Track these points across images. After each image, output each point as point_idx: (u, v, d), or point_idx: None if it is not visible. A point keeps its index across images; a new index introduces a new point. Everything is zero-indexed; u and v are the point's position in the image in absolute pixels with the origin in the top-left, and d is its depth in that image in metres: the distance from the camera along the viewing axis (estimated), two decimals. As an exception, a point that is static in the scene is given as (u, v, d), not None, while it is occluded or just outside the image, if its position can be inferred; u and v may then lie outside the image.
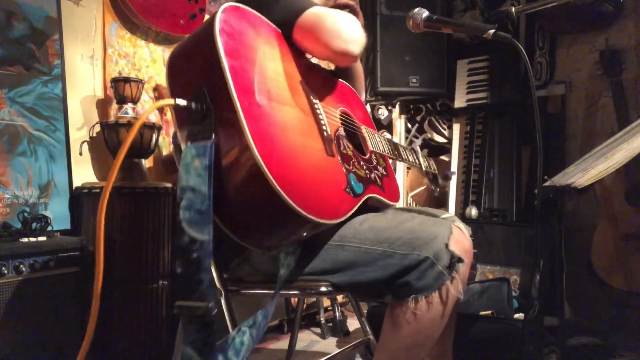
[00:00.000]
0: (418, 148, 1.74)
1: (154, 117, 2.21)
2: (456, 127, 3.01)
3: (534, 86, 1.37)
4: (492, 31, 1.20)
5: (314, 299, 2.54)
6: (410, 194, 3.10)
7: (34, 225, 1.60)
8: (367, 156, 1.35)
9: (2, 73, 1.72)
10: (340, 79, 1.46)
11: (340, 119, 1.30)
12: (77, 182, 1.91)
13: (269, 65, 1.07)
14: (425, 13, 1.33)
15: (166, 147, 2.28)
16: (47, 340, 1.49)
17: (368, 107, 1.72)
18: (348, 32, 1.17)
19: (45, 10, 1.86)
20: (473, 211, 2.68)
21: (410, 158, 1.65)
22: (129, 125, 1.87)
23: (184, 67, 1.05)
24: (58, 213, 1.80)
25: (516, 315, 1.98)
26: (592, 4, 2.47)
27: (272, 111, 0.99)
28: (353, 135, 1.36)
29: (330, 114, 1.25)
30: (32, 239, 1.55)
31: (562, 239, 1.41)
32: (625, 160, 1.30)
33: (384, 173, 1.41)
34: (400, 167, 3.13)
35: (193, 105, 0.95)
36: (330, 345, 2.32)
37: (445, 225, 1.13)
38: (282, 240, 1.05)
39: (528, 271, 2.32)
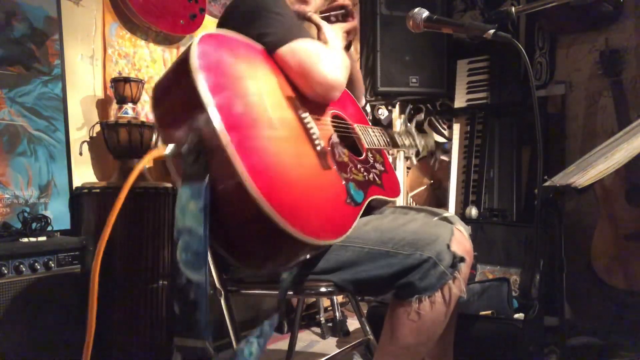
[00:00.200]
0: (413, 130, 1.70)
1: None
2: (456, 127, 3.01)
3: (534, 86, 1.37)
4: (492, 31, 1.20)
5: (314, 299, 2.54)
6: (410, 194, 3.10)
7: (34, 225, 1.60)
8: (362, 156, 1.35)
9: (2, 73, 1.72)
10: None
11: (333, 125, 1.28)
12: (77, 182, 1.91)
13: (252, 88, 1.05)
14: (425, 13, 1.33)
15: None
16: (47, 340, 1.49)
17: (368, 107, 1.70)
18: (327, 77, 1.17)
19: (45, 10, 1.86)
20: (473, 211, 2.68)
21: (407, 142, 1.62)
22: (129, 125, 1.87)
23: (168, 101, 1.04)
24: (58, 213, 1.80)
25: (516, 315, 1.98)
26: (592, 4, 2.46)
27: (263, 140, 0.98)
28: (347, 137, 1.35)
29: (322, 123, 1.23)
30: (32, 239, 1.55)
31: (562, 239, 1.41)
32: (625, 160, 1.30)
33: (382, 169, 1.40)
34: (400, 166, 3.13)
35: (184, 148, 0.94)
36: (330, 345, 2.32)
37: (447, 227, 1.15)
38: (288, 263, 1.05)
39: (528, 271, 2.32)
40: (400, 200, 2.95)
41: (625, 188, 2.27)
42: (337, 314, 2.45)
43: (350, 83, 1.51)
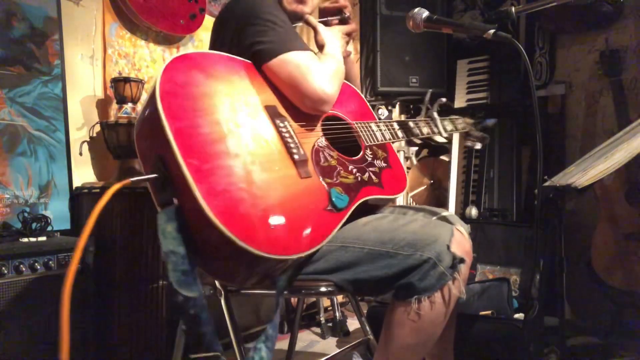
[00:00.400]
0: (435, 115, 1.60)
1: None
2: (456, 127, 3.01)
3: (534, 86, 1.37)
4: (492, 31, 1.20)
5: (314, 299, 2.54)
6: (410, 194, 3.10)
7: (34, 225, 1.60)
8: (359, 155, 1.32)
9: (2, 73, 1.73)
10: None
11: (322, 128, 1.27)
12: (77, 182, 1.91)
13: (225, 105, 1.05)
14: (425, 13, 1.33)
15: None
16: (47, 341, 1.49)
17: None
18: (317, 91, 1.18)
19: (45, 10, 1.86)
20: (473, 211, 2.68)
21: (425, 130, 1.57)
22: (129, 125, 1.87)
23: (142, 133, 1.05)
24: (58, 213, 1.80)
25: (516, 315, 1.98)
26: (592, 4, 2.46)
27: (227, 160, 0.98)
28: (343, 138, 1.33)
29: (307, 129, 1.22)
30: (32, 239, 1.55)
31: (562, 239, 1.41)
32: (625, 160, 1.30)
33: (384, 165, 1.37)
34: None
35: (149, 176, 0.97)
36: (330, 345, 2.32)
37: (447, 227, 1.15)
38: (268, 276, 1.05)
39: (528, 271, 2.32)
40: (400, 200, 2.95)
41: (625, 188, 2.27)
42: (337, 314, 2.45)
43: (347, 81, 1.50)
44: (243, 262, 0.97)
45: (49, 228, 1.64)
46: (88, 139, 1.98)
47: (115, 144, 1.88)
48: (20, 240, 1.54)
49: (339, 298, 2.58)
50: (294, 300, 2.33)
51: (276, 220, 0.99)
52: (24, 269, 1.46)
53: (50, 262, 1.52)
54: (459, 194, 2.89)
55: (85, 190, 1.83)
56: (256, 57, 1.19)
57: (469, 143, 1.68)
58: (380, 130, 1.42)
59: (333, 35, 1.38)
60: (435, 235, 1.10)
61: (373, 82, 2.99)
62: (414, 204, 3.11)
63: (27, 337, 1.45)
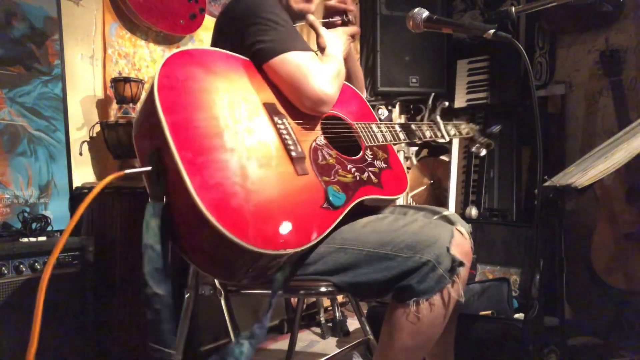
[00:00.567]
0: (438, 119, 1.60)
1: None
2: (456, 127, 3.01)
3: (534, 86, 1.37)
4: (492, 31, 1.20)
5: (314, 299, 2.54)
6: (410, 194, 3.10)
7: (34, 225, 1.60)
8: (358, 155, 1.32)
9: (2, 73, 1.73)
10: None
11: (322, 127, 1.27)
12: (77, 182, 1.91)
13: (223, 101, 1.06)
14: (425, 13, 1.33)
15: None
16: (47, 340, 1.49)
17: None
18: (317, 92, 1.18)
19: (45, 10, 1.86)
20: (473, 211, 2.68)
21: (428, 133, 1.56)
22: (129, 125, 1.87)
23: (140, 126, 1.06)
24: (58, 213, 1.81)
25: (516, 315, 1.98)
26: (592, 4, 2.46)
27: (222, 154, 0.99)
28: (343, 138, 1.33)
29: (306, 126, 1.22)
30: (32, 239, 1.55)
31: (562, 239, 1.41)
32: (625, 160, 1.30)
33: (384, 166, 1.37)
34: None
35: (144, 169, 0.98)
36: (330, 345, 2.32)
37: (447, 228, 1.14)
38: (261, 273, 1.04)
39: (528, 271, 2.32)
40: (400, 201, 2.95)
41: (625, 188, 2.27)
42: (337, 314, 2.45)
43: (349, 79, 1.50)
44: (236, 258, 0.96)
45: (49, 228, 1.64)
46: (88, 139, 1.98)
47: (115, 144, 1.88)
48: (20, 240, 1.54)
49: (339, 298, 2.58)
50: (294, 300, 2.33)
51: (270, 215, 0.99)
52: (24, 269, 1.46)
53: (50, 262, 1.52)
54: (459, 194, 2.89)
55: (85, 190, 1.83)
56: (257, 56, 1.19)
57: (474, 149, 1.69)
58: (382, 131, 1.42)
59: (335, 37, 1.38)
60: (435, 237, 1.09)
61: (373, 82, 2.99)
62: (414, 204, 3.11)
63: (27, 337, 1.45)
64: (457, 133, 1.65)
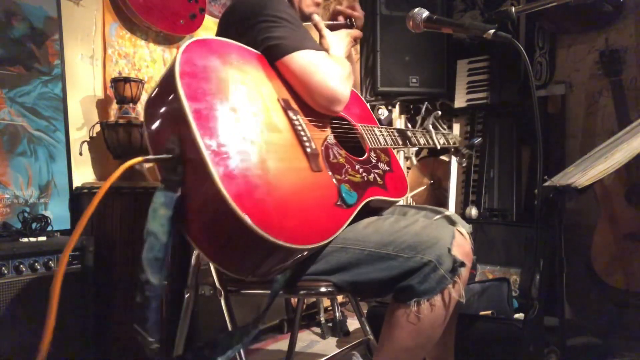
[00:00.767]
0: (431, 127, 1.68)
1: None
2: (456, 127, 3.01)
3: (534, 86, 1.37)
4: (492, 31, 1.20)
5: (314, 299, 2.54)
6: (410, 194, 3.10)
7: (34, 225, 1.60)
8: (364, 157, 1.34)
9: (2, 73, 1.73)
10: None
11: (331, 126, 1.28)
12: (77, 182, 1.91)
13: (239, 93, 1.05)
14: (425, 13, 1.33)
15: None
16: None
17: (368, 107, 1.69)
18: (332, 91, 1.19)
19: (45, 10, 1.86)
20: (473, 211, 2.68)
21: (422, 140, 1.61)
22: (129, 125, 1.87)
23: (156, 113, 1.04)
24: (58, 213, 1.81)
25: (516, 315, 1.98)
26: (592, 4, 2.46)
27: (243, 145, 0.98)
28: (348, 138, 1.34)
29: (318, 124, 1.23)
30: (32, 239, 1.55)
31: (562, 239, 1.41)
32: (625, 160, 1.30)
33: (387, 168, 1.40)
34: (401, 165, 3.13)
35: (164, 156, 0.96)
36: (330, 345, 2.32)
37: (448, 229, 1.14)
38: (273, 268, 1.04)
39: (528, 271, 2.32)
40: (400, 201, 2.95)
41: (625, 188, 2.27)
42: (337, 314, 2.45)
43: None
44: (253, 250, 0.96)
45: (49, 228, 1.64)
46: (88, 139, 1.98)
47: (115, 144, 1.88)
48: (20, 240, 1.54)
49: (339, 298, 2.58)
50: (294, 300, 2.33)
51: (289, 209, 0.99)
52: (24, 269, 1.46)
53: (50, 262, 1.52)
54: (459, 194, 2.89)
55: (85, 190, 1.83)
56: (269, 52, 1.19)
57: (457, 159, 1.76)
58: (383, 135, 1.44)
59: (338, 39, 1.40)
60: (437, 238, 1.09)
61: (373, 82, 2.99)
62: (414, 204, 3.11)
63: (28, 337, 1.45)
64: (445, 142, 1.71)
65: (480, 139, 1.81)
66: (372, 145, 1.38)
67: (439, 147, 1.67)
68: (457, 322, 1.39)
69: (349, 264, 1.11)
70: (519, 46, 1.16)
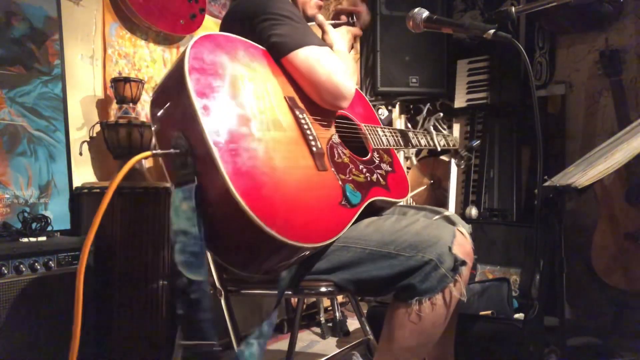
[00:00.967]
0: (432, 129, 1.69)
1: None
2: (456, 127, 3.01)
3: (534, 86, 1.37)
4: (492, 31, 1.20)
5: (314, 299, 2.54)
6: (410, 194, 3.10)
7: (34, 225, 1.60)
8: (367, 157, 1.34)
9: (2, 73, 1.73)
10: None
11: (336, 125, 1.28)
12: (77, 182, 1.91)
13: (247, 89, 1.05)
14: (425, 13, 1.33)
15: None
16: (47, 341, 1.49)
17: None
18: (339, 88, 1.19)
19: (45, 10, 1.86)
20: (473, 211, 2.68)
21: (423, 141, 1.61)
22: (129, 125, 1.87)
23: (163, 108, 1.04)
24: (58, 213, 1.80)
25: (516, 315, 1.98)
26: (592, 4, 2.46)
27: (251, 143, 0.98)
28: (352, 138, 1.35)
29: (323, 123, 1.23)
30: (32, 239, 1.55)
31: (562, 239, 1.41)
32: (625, 160, 1.30)
33: (389, 169, 1.40)
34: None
35: (172, 151, 0.96)
36: (330, 345, 2.32)
37: (449, 228, 1.15)
38: (277, 265, 1.05)
39: (528, 271, 2.32)
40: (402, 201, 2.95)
41: (625, 188, 2.27)
42: (337, 314, 2.45)
43: None
44: (260, 247, 0.96)
45: (49, 228, 1.64)
46: (88, 139, 1.98)
47: (115, 144, 1.88)
48: (20, 240, 1.54)
49: (339, 298, 2.58)
50: (294, 300, 2.33)
51: (296, 208, 0.99)
52: (24, 269, 1.46)
53: (50, 262, 1.52)
54: (459, 194, 2.89)
55: (85, 190, 1.83)
56: (274, 49, 1.19)
57: (455, 161, 1.76)
58: (386, 135, 1.45)
59: (341, 36, 1.41)
60: (437, 237, 1.10)
61: (373, 82, 2.99)
62: (414, 204, 3.11)
63: (28, 337, 1.45)
64: (446, 144, 1.72)
65: (479, 141, 1.84)
66: (375, 146, 1.38)
67: (439, 148, 1.68)
68: (457, 321, 1.39)
69: (351, 263, 1.11)
70: (519, 46, 1.16)
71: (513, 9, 1.36)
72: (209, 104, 0.95)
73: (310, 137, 1.13)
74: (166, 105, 1.02)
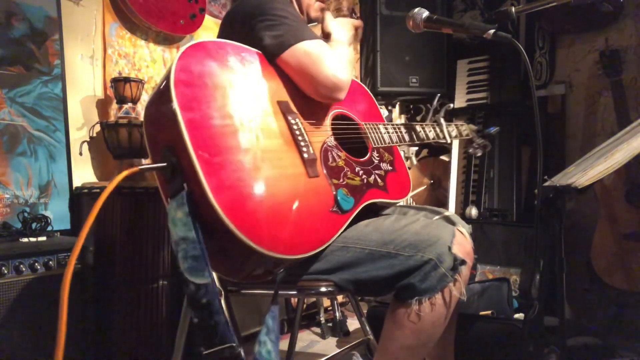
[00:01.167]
0: (442, 120, 1.63)
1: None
2: (456, 127, 3.01)
3: (534, 86, 1.37)
4: (492, 31, 1.20)
5: (314, 299, 2.54)
6: (410, 194, 3.10)
7: (34, 225, 1.60)
8: (366, 157, 1.32)
9: (2, 73, 1.72)
10: None
11: (332, 127, 1.27)
12: (77, 182, 1.91)
13: (238, 98, 1.05)
14: (425, 13, 1.33)
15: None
16: (47, 341, 1.49)
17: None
18: (330, 78, 1.17)
19: (45, 10, 1.86)
20: (473, 211, 2.68)
21: (431, 134, 1.57)
22: (129, 125, 1.87)
23: (153, 120, 1.04)
24: (58, 213, 1.80)
25: (516, 315, 1.98)
26: (592, 4, 2.46)
27: (237, 155, 0.98)
28: (352, 138, 1.33)
29: (317, 127, 1.22)
30: (32, 239, 1.55)
31: (562, 239, 1.41)
32: (625, 160, 1.30)
33: (389, 168, 1.38)
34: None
35: (159, 165, 0.96)
36: (330, 345, 2.32)
37: (448, 228, 1.15)
38: (263, 273, 1.04)
39: (528, 271, 2.32)
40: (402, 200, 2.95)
41: (625, 188, 2.27)
42: (337, 314, 2.45)
43: None
44: (246, 259, 0.96)
45: (49, 228, 1.64)
46: (88, 139, 1.98)
47: (115, 144, 1.88)
48: (20, 240, 1.54)
49: (339, 298, 2.58)
50: (294, 300, 2.33)
51: (282, 219, 0.99)
52: (24, 269, 1.46)
53: (50, 262, 1.52)
54: (459, 194, 2.89)
55: (85, 190, 1.83)
56: (268, 50, 1.18)
57: (470, 150, 1.71)
58: (388, 132, 1.42)
59: (340, 24, 1.38)
60: (437, 236, 1.10)
61: (373, 82, 2.99)
62: (414, 204, 3.11)
63: (28, 337, 1.45)
64: (458, 134, 1.67)
65: (498, 127, 1.72)
66: (375, 144, 1.36)
67: (449, 140, 1.62)
68: (457, 322, 1.39)
69: (350, 263, 1.11)
70: (519, 46, 1.16)
71: (513, 9, 1.36)
72: (194, 117, 0.95)
73: (302, 144, 1.12)
74: (155, 118, 1.03)
